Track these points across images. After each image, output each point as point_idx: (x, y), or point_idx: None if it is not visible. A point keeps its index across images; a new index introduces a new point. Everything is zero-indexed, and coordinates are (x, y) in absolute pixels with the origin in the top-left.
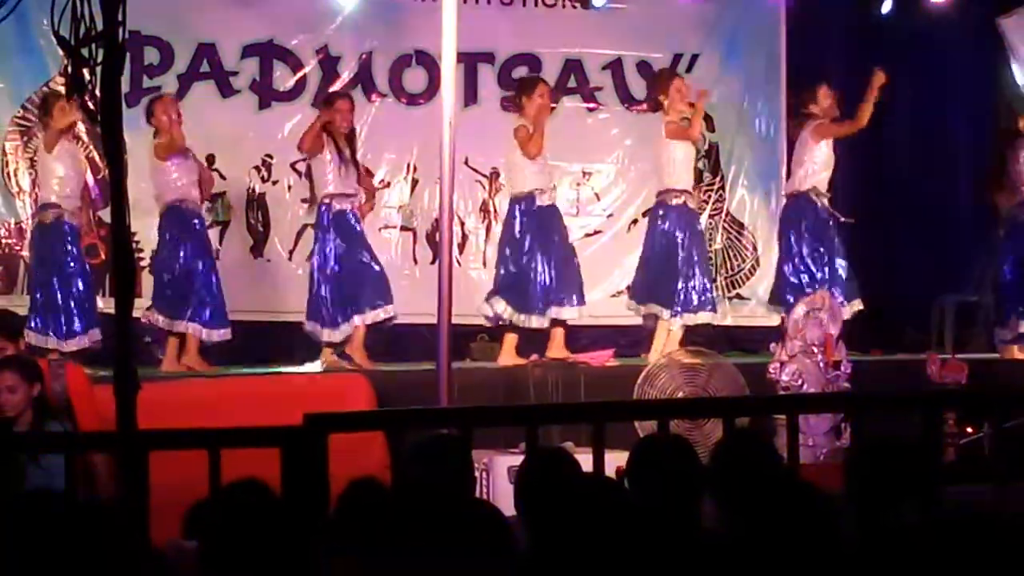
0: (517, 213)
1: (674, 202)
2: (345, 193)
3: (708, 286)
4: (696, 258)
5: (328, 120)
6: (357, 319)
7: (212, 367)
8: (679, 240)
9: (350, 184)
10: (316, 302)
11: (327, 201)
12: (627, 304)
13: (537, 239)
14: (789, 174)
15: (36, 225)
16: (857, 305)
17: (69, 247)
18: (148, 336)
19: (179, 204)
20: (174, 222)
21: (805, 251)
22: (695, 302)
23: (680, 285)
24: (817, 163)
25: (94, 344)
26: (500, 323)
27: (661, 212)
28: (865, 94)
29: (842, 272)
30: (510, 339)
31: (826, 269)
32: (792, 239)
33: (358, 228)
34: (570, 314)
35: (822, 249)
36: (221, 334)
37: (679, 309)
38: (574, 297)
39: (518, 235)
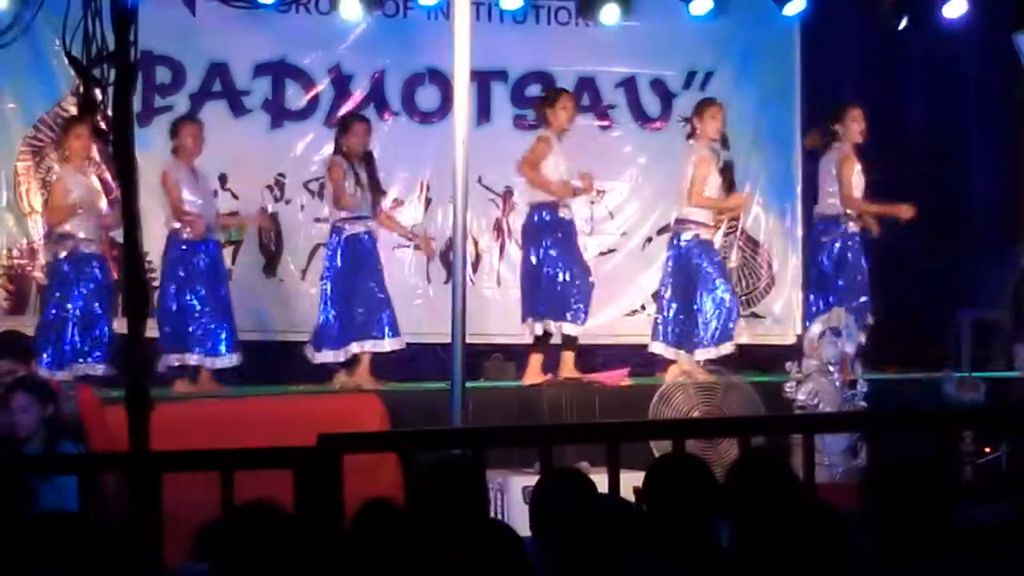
0: (538, 221)
1: (688, 235)
2: (359, 216)
3: (730, 317)
4: (715, 291)
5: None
6: (356, 346)
7: (225, 388)
8: (697, 274)
9: (365, 208)
10: (319, 325)
11: (339, 224)
12: (653, 346)
13: (563, 249)
14: (816, 197)
15: (51, 245)
16: (867, 319)
17: (84, 268)
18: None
19: (182, 230)
20: (179, 248)
21: (832, 276)
22: (716, 337)
23: (701, 322)
24: (845, 187)
25: (105, 370)
26: (540, 337)
27: (676, 244)
28: (884, 207)
29: (865, 294)
30: (536, 359)
31: (854, 293)
32: (820, 264)
33: (371, 254)
34: (575, 331)
35: (850, 273)
36: (228, 361)
37: (703, 345)
38: (585, 313)
39: (544, 244)
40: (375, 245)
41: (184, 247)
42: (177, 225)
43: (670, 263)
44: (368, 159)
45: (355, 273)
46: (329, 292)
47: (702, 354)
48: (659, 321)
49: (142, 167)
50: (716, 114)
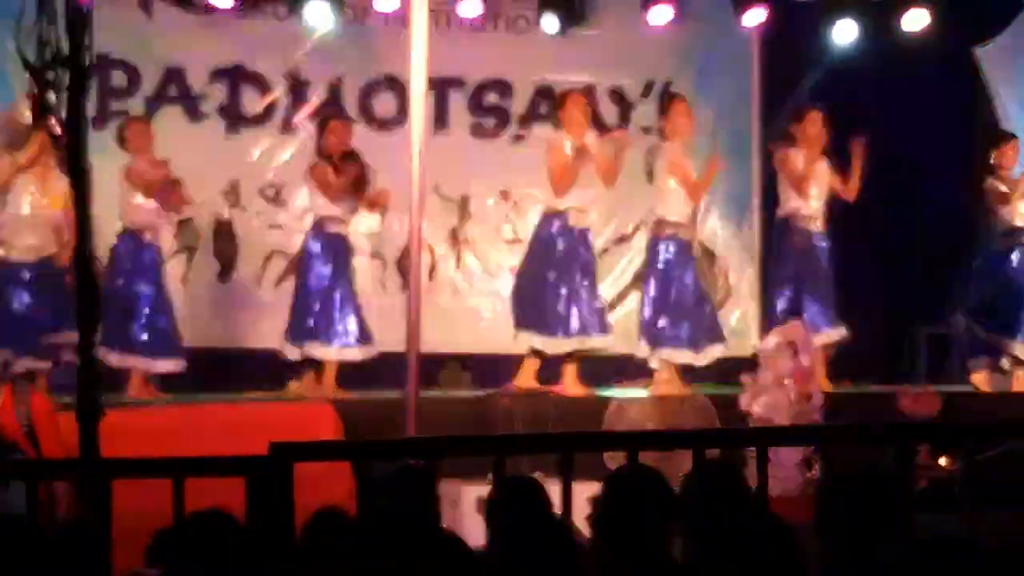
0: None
1: (667, 234)
2: (337, 217)
3: (715, 320)
4: (698, 292)
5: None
6: (333, 350)
7: (177, 394)
8: (678, 276)
9: (344, 208)
10: (297, 322)
11: (318, 223)
12: (639, 349)
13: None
14: (777, 200)
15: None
16: (841, 332)
17: (44, 270)
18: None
19: (135, 231)
20: (127, 248)
21: (794, 276)
22: (703, 340)
23: (686, 323)
24: (809, 188)
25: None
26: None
27: (658, 247)
28: (851, 166)
29: (828, 297)
30: (530, 364)
31: (815, 294)
32: (781, 264)
33: (346, 256)
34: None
35: (811, 274)
36: (170, 366)
37: (686, 348)
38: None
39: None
40: (351, 250)
41: (128, 247)
42: (127, 224)
43: (655, 259)
44: (351, 157)
45: (331, 275)
46: (304, 289)
47: (698, 357)
48: (647, 324)
49: (96, 171)
50: (686, 111)
